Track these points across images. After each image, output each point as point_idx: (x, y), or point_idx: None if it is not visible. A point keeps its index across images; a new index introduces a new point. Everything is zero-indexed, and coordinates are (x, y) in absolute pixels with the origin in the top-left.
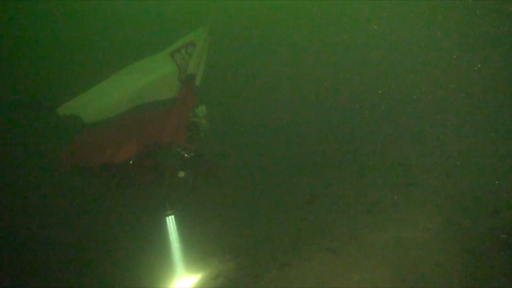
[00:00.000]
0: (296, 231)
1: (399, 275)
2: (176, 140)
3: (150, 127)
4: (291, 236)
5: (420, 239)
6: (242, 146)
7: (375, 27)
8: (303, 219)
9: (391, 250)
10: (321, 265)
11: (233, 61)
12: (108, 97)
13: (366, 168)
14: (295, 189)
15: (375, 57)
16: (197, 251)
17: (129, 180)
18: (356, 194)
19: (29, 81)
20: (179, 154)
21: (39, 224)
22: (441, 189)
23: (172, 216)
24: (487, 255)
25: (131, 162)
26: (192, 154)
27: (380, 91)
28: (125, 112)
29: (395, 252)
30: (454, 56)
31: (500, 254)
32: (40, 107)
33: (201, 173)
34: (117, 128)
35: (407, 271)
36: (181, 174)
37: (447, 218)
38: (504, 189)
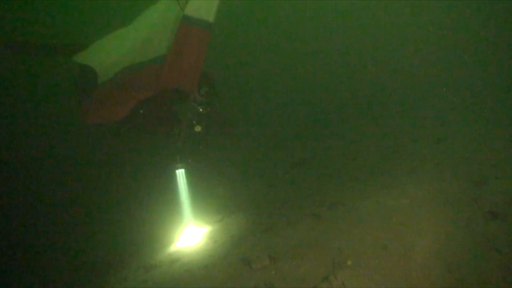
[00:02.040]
0: (284, 195)
1: (380, 241)
2: (187, 87)
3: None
4: (278, 199)
5: (405, 207)
6: (249, 110)
7: None
8: (292, 182)
9: (374, 216)
10: (305, 230)
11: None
12: (121, 47)
13: (359, 135)
14: (290, 153)
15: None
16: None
17: (139, 128)
18: (347, 160)
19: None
20: (195, 108)
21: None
22: (430, 156)
23: (182, 170)
24: (471, 225)
25: (141, 111)
26: (208, 109)
27: (374, 63)
28: (138, 64)
29: (378, 218)
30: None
31: (485, 225)
32: (60, 51)
33: (214, 128)
34: (131, 80)
35: (389, 237)
36: (198, 128)
37: (434, 186)
38: (493, 159)
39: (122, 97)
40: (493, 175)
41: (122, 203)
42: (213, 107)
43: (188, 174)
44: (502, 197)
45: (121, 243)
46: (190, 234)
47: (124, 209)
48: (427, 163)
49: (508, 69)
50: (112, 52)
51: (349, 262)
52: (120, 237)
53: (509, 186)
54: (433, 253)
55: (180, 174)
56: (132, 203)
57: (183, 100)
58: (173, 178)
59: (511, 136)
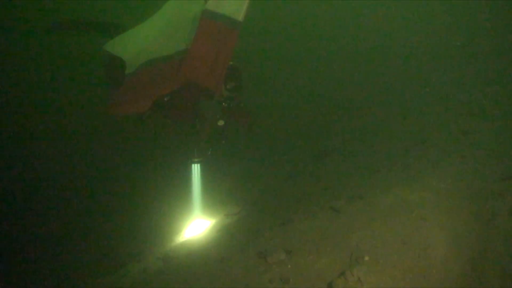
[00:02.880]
0: (303, 188)
1: (399, 237)
2: (210, 85)
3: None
4: (297, 192)
5: (427, 201)
6: (269, 100)
7: None
8: (312, 175)
9: (394, 210)
10: (322, 224)
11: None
12: (148, 39)
13: (382, 126)
14: (311, 144)
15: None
16: (211, 199)
17: (162, 115)
18: (369, 153)
19: None
20: (220, 105)
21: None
22: (455, 148)
23: (198, 164)
24: (494, 220)
25: (165, 99)
26: (232, 104)
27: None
28: (162, 58)
29: (399, 213)
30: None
31: (510, 220)
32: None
33: (236, 121)
34: (154, 74)
35: (408, 232)
36: (221, 123)
37: (457, 179)
38: None
39: (146, 90)
40: None
41: (136, 194)
42: (237, 101)
43: (204, 168)
44: None
45: (138, 233)
46: (198, 226)
47: (137, 200)
48: (451, 156)
49: None
50: (140, 43)
51: (366, 258)
52: (136, 226)
53: None
54: (454, 249)
55: (196, 167)
56: (146, 194)
57: (209, 97)
58: (188, 172)
59: None
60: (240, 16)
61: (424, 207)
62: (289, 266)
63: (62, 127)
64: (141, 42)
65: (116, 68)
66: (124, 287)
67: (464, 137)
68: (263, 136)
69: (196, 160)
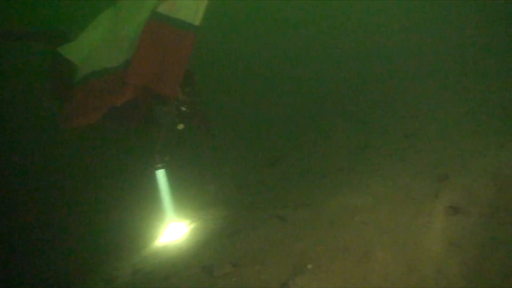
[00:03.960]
0: (252, 196)
1: (341, 243)
2: (165, 92)
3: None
4: (246, 201)
5: (368, 204)
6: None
7: None
8: (262, 183)
9: (338, 216)
10: (269, 233)
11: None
12: (101, 47)
13: (332, 131)
14: (265, 151)
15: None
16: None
17: (115, 120)
18: (317, 158)
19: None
20: (178, 108)
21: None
22: (397, 152)
23: (162, 169)
24: (432, 221)
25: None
26: (191, 108)
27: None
28: (115, 67)
29: (342, 218)
30: None
31: (446, 220)
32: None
33: (195, 125)
34: (103, 85)
35: (350, 238)
36: (180, 126)
37: (397, 182)
38: (458, 154)
39: (97, 101)
40: (456, 171)
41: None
42: (195, 105)
43: (169, 173)
44: (462, 192)
45: (82, 252)
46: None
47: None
48: (392, 159)
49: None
50: (89, 49)
51: (309, 266)
52: (80, 244)
53: (470, 181)
54: (393, 251)
55: (160, 173)
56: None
57: (165, 102)
58: (153, 178)
59: (475, 132)
60: (196, 20)
61: (365, 211)
62: (234, 279)
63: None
64: (90, 49)
65: (61, 78)
66: None
67: (406, 140)
68: (220, 142)
69: (159, 165)
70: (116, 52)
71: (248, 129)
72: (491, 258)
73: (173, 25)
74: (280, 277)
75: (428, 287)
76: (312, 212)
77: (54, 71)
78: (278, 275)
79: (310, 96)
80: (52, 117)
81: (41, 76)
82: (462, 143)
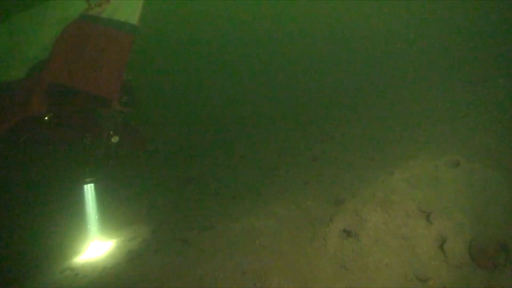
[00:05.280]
0: (161, 217)
1: (240, 266)
2: (103, 94)
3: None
4: (155, 223)
5: (270, 228)
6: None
7: None
8: (173, 203)
9: (240, 240)
10: (171, 257)
11: None
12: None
13: (247, 152)
14: (180, 170)
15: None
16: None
17: (43, 137)
18: (229, 178)
19: None
20: (116, 117)
21: None
22: (302, 174)
23: (92, 184)
24: (326, 243)
25: (46, 118)
26: (125, 120)
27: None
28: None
29: (243, 242)
30: None
31: (338, 243)
32: None
33: (128, 140)
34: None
35: (249, 261)
36: (115, 139)
37: (299, 205)
38: (354, 178)
39: (4, 113)
40: (350, 195)
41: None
42: (127, 117)
43: (97, 188)
44: (354, 216)
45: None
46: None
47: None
48: (297, 182)
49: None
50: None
51: None
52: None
53: (362, 206)
54: (288, 275)
55: (89, 188)
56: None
57: (105, 106)
58: (80, 192)
59: (372, 158)
60: (134, 19)
61: (267, 234)
62: None
63: None
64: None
65: None
66: None
67: (313, 162)
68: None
69: (88, 180)
70: (17, 65)
71: (167, 146)
72: (375, 280)
73: (106, 25)
74: None
75: None
76: (216, 235)
77: None
78: None
79: (232, 116)
80: None
81: None
82: (359, 169)
